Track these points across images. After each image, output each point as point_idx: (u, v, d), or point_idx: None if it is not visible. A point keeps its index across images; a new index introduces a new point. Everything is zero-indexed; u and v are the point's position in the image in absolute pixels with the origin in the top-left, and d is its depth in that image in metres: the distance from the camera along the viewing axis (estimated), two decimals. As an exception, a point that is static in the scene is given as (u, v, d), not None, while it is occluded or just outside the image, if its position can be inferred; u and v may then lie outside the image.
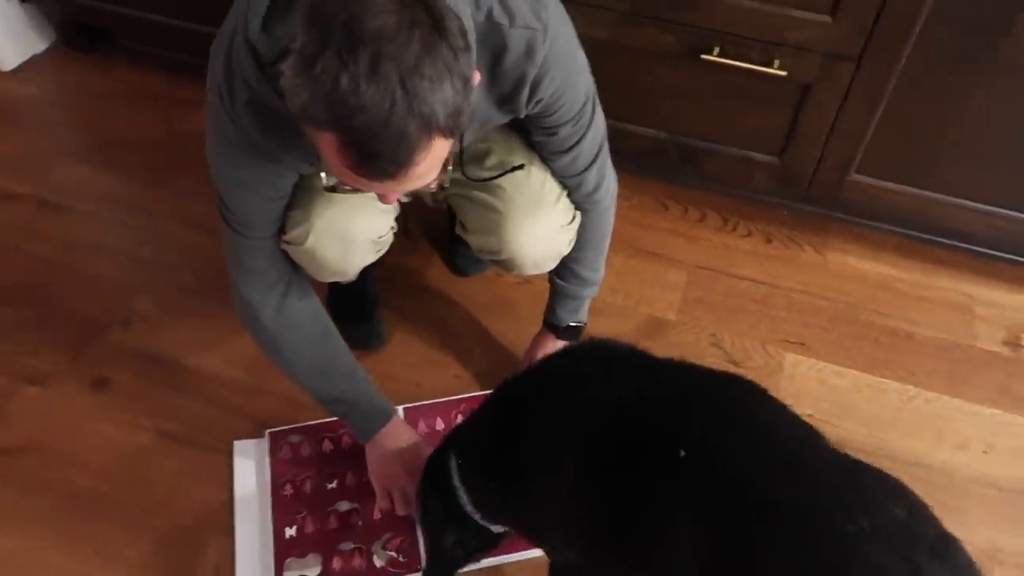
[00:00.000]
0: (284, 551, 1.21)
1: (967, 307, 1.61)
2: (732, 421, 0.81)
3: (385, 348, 1.48)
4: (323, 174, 0.89)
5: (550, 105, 1.03)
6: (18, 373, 1.42)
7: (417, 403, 1.40)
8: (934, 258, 1.67)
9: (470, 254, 1.36)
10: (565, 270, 1.28)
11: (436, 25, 0.71)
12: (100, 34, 1.96)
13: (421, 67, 0.70)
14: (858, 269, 1.67)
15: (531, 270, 1.22)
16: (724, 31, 1.42)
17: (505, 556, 1.20)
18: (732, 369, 1.47)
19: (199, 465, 1.32)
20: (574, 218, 1.20)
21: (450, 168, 0.85)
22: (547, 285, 1.34)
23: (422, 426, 1.36)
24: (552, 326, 1.35)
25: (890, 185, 1.56)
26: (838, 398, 1.47)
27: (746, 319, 1.57)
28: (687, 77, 1.51)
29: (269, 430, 1.35)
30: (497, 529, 1.07)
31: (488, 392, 1.40)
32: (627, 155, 1.68)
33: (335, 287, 1.43)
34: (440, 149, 0.76)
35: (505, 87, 0.97)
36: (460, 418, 1.38)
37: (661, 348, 1.50)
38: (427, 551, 1.17)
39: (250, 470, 1.31)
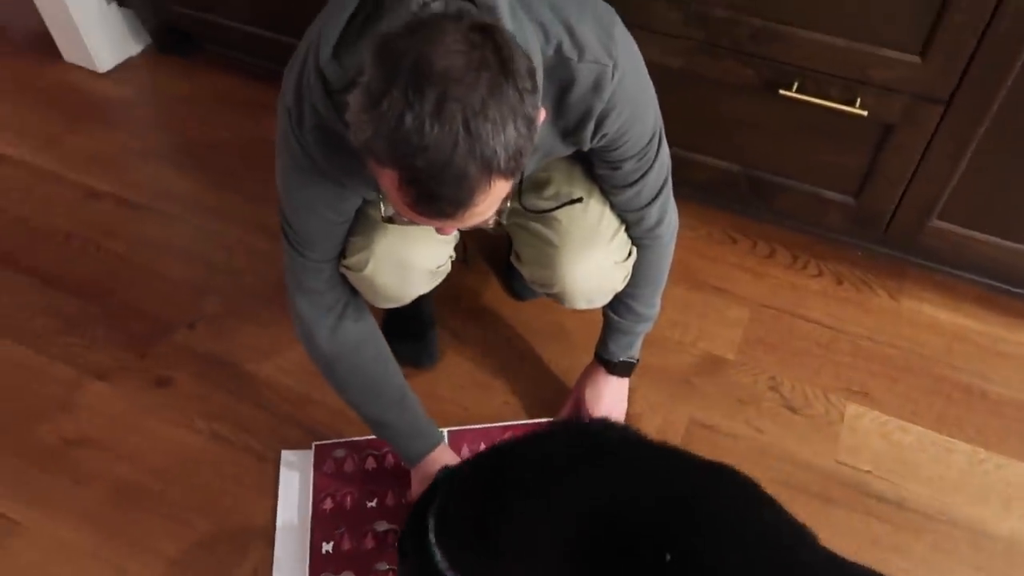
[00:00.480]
0: (319, 566, 1.23)
1: (1050, 368, 1.51)
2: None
3: (436, 368, 1.49)
4: (382, 204, 0.90)
5: (615, 140, 1.01)
6: (86, 366, 1.48)
7: (462, 427, 1.39)
8: (1017, 312, 1.58)
9: (527, 279, 1.35)
10: (620, 305, 1.26)
11: (504, 67, 0.71)
12: (190, 39, 2.04)
13: (486, 109, 0.70)
14: (934, 318, 1.59)
15: (583, 305, 1.20)
16: (805, 66, 1.37)
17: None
18: (790, 416, 1.44)
19: (247, 471, 1.35)
20: (630, 254, 1.18)
21: (508, 203, 0.84)
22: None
23: (466, 451, 1.36)
24: (604, 360, 1.33)
25: (974, 234, 1.48)
26: (901, 455, 1.40)
27: (809, 363, 1.52)
28: (763, 110, 1.47)
29: (316, 442, 1.37)
30: None
31: (535, 421, 1.41)
32: (696, 185, 1.65)
33: (392, 305, 1.45)
34: (500, 190, 0.76)
35: (570, 120, 0.96)
36: (504, 445, 1.37)
37: (717, 387, 1.47)
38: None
39: (294, 481, 1.33)
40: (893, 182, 1.46)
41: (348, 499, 1.30)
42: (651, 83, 1.06)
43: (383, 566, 1.23)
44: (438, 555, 0.99)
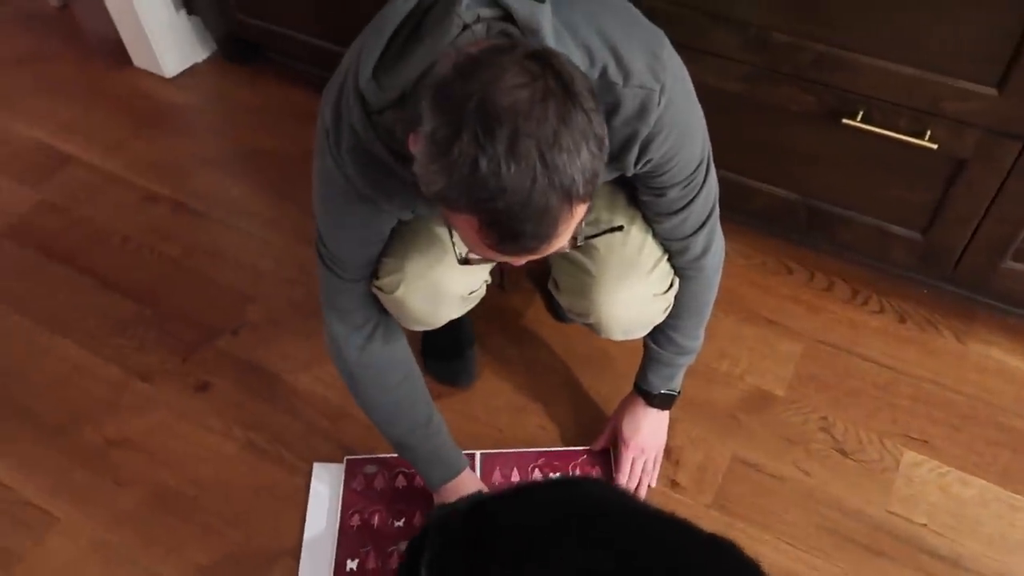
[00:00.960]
0: (343, 584, 1.22)
1: None
2: None
3: (473, 387, 1.47)
4: (455, 246, 0.88)
5: (660, 166, 0.98)
6: (132, 368, 1.50)
7: (496, 450, 1.37)
8: (1096, 363, 1.48)
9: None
10: (661, 335, 1.22)
11: (567, 91, 0.69)
12: (255, 48, 2.07)
13: (559, 139, 0.68)
14: (1003, 364, 1.49)
15: (619, 337, 1.16)
16: (871, 95, 1.30)
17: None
18: (841, 459, 1.37)
19: (279, 482, 1.35)
20: (671, 286, 1.13)
21: (584, 224, 0.82)
22: (649, 341, 1.28)
23: (497, 475, 1.33)
24: (643, 392, 1.29)
25: (1051, 278, 1.39)
26: (960, 509, 1.31)
27: (864, 405, 1.44)
28: (825, 139, 1.40)
29: (348, 457, 1.36)
30: None
31: (570, 449, 1.38)
32: (752, 212, 1.60)
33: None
34: (579, 213, 0.74)
35: (614, 145, 0.93)
36: (537, 472, 1.34)
37: (764, 425, 1.41)
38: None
39: (324, 495, 1.32)
40: (963, 220, 1.38)
41: (376, 517, 1.29)
42: (700, 108, 1.02)
43: (406, 589, 1.22)
44: None
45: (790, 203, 1.53)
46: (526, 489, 0.97)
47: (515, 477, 1.33)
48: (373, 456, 1.36)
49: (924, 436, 1.40)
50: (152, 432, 1.42)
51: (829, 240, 1.58)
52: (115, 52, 2.12)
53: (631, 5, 0.95)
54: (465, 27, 0.79)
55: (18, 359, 1.52)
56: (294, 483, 1.35)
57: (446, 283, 1.08)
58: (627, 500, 0.92)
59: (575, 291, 1.14)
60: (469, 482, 1.22)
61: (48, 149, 1.92)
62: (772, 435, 1.40)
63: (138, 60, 2.11)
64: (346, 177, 0.93)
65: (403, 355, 1.17)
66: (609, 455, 1.36)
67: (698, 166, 1.02)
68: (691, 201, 1.05)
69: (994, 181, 1.31)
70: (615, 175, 1.00)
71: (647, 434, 1.30)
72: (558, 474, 1.34)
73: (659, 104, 0.89)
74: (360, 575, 1.23)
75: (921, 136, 1.29)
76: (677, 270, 1.15)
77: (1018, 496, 1.32)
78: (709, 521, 1.30)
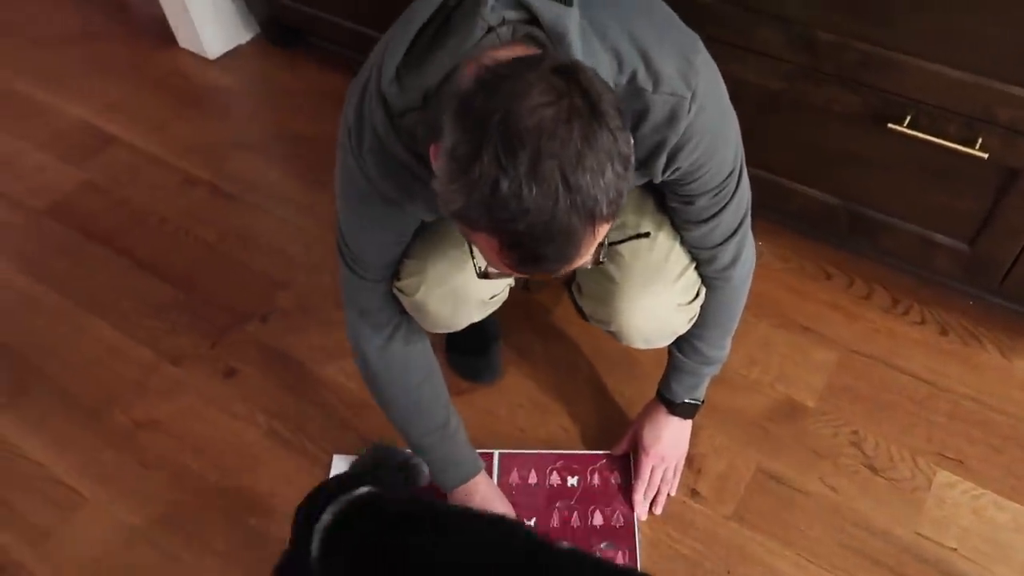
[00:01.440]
0: (356, 578, 1.23)
1: None
2: None
3: (497, 384, 1.46)
4: (474, 259, 0.86)
5: (689, 174, 0.94)
6: (164, 351, 1.53)
7: (515, 451, 1.36)
8: None
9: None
10: (686, 344, 1.19)
11: (594, 110, 0.67)
12: (298, 32, 2.07)
13: (583, 160, 0.66)
14: (1051, 384, 1.43)
15: (641, 345, 1.14)
16: (919, 100, 1.24)
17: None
18: (870, 476, 1.32)
19: (299, 471, 1.36)
20: (696, 296, 1.10)
21: (607, 240, 0.79)
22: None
23: (515, 476, 1.33)
24: (666, 400, 1.26)
25: (1106, 296, 1.32)
26: (993, 535, 1.26)
27: (898, 420, 1.39)
28: (869, 143, 1.35)
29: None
30: None
31: (589, 452, 1.36)
32: (791, 214, 1.55)
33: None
34: (603, 232, 0.72)
35: (641, 152, 0.90)
36: (555, 475, 1.33)
37: (792, 436, 1.38)
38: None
39: (342, 488, 1.33)
40: (1014, 232, 1.31)
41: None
42: (734, 115, 0.98)
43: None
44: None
45: (829, 206, 1.48)
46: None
47: (532, 479, 1.32)
48: (392, 450, 1.36)
49: (960, 456, 1.35)
50: (179, 416, 1.44)
51: (871, 246, 1.53)
52: (161, 32, 2.15)
53: (667, 7, 0.91)
54: (490, 29, 0.77)
55: (57, 338, 1.56)
56: (315, 473, 1.36)
57: (467, 288, 1.06)
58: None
59: (597, 297, 1.11)
60: (483, 486, 1.22)
61: (93, 129, 1.96)
62: (800, 447, 1.37)
63: (183, 40, 2.13)
64: (368, 178, 0.92)
65: (424, 356, 1.17)
66: (629, 460, 1.34)
67: (729, 175, 0.98)
68: (721, 210, 1.01)
69: (1049, 194, 1.24)
70: (643, 181, 0.97)
71: (668, 443, 1.28)
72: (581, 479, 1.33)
73: (689, 112, 0.86)
74: (374, 569, 1.24)
75: (971, 144, 1.23)
76: (705, 279, 1.12)
77: (1057, 524, 1.27)
78: (728, 533, 1.28)
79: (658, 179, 0.94)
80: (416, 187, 0.89)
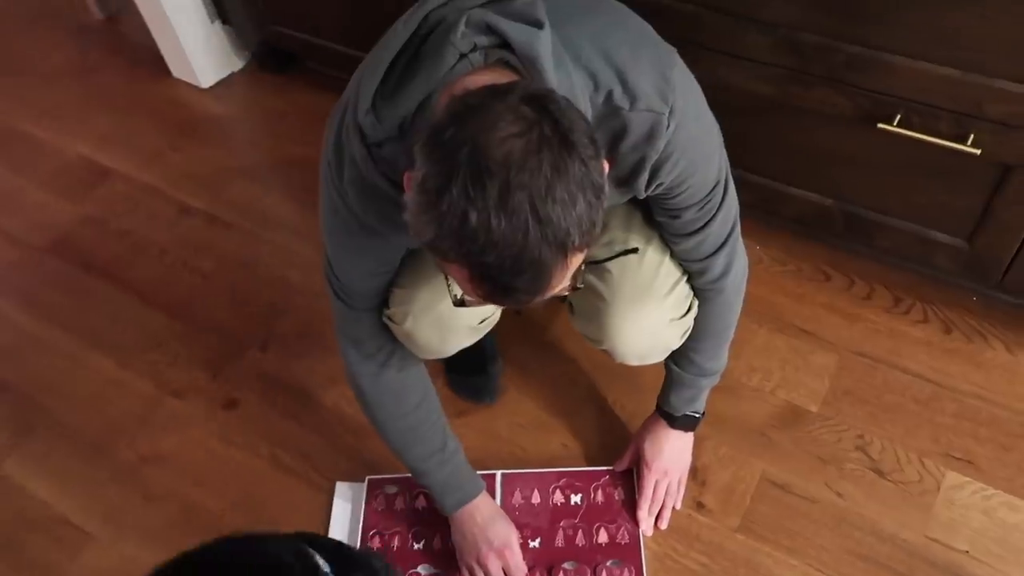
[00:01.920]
0: (361, 607, 1.22)
1: None
2: None
3: (496, 404, 1.45)
4: (450, 287, 0.85)
5: (673, 188, 0.94)
6: (165, 384, 1.54)
7: (517, 470, 1.35)
8: None
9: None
10: (682, 358, 1.18)
11: (564, 141, 0.66)
12: (289, 57, 2.08)
13: (553, 191, 0.65)
14: (1058, 378, 1.41)
15: (635, 362, 1.13)
16: (908, 98, 1.23)
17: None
18: (877, 480, 1.31)
19: (302, 500, 1.36)
20: (689, 310, 1.09)
21: (583, 267, 0.79)
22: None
23: (518, 496, 1.32)
24: (665, 414, 1.25)
25: (1109, 288, 1.30)
26: (1005, 536, 1.24)
27: (903, 422, 1.38)
28: (860, 143, 1.33)
29: (369, 476, 1.37)
30: None
31: (592, 469, 1.35)
32: (787, 217, 1.54)
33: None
34: (576, 261, 0.72)
35: (623, 169, 0.90)
36: (558, 493, 1.32)
37: (796, 443, 1.36)
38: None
39: (345, 515, 1.33)
40: (1010, 228, 1.30)
41: (396, 539, 1.29)
42: (715, 126, 0.98)
43: (424, 612, 1.22)
44: None
45: (825, 208, 1.46)
46: None
47: (535, 499, 1.32)
48: (395, 476, 1.35)
49: (968, 456, 1.33)
50: (183, 449, 1.45)
51: (869, 246, 1.51)
52: (156, 63, 2.16)
53: (642, 21, 0.90)
54: (462, 56, 0.77)
55: (58, 374, 1.57)
56: (318, 501, 1.36)
57: (455, 314, 1.06)
58: None
59: (588, 316, 1.11)
60: (485, 507, 1.21)
61: (90, 163, 1.97)
62: (804, 454, 1.35)
63: (176, 71, 2.14)
64: (350, 209, 0.92)
65: (418, 381, 1.17)
66: (632, 476, 1.33)
67: (714, 187, 0.98)
68: (709, 221, 1.00)
69: (1044, 187, 1.23)
70: (628, 197, 0.97)
71: (670, 457, 1.27)
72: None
73: (668, 127, 0.85)
74: (379, 596, 1.24)
75: (963, 140, 1.22)
76: (697, 291, 1.11)
77: (1070, 522, 1.25)
78: (735, 545, 1.26)
79: (642, 195, 0.93)
80: (399, 216, 0.88)
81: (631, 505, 1.30)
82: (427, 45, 0.80)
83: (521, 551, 1.24)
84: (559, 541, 1.27)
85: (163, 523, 1.36)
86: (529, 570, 1.22)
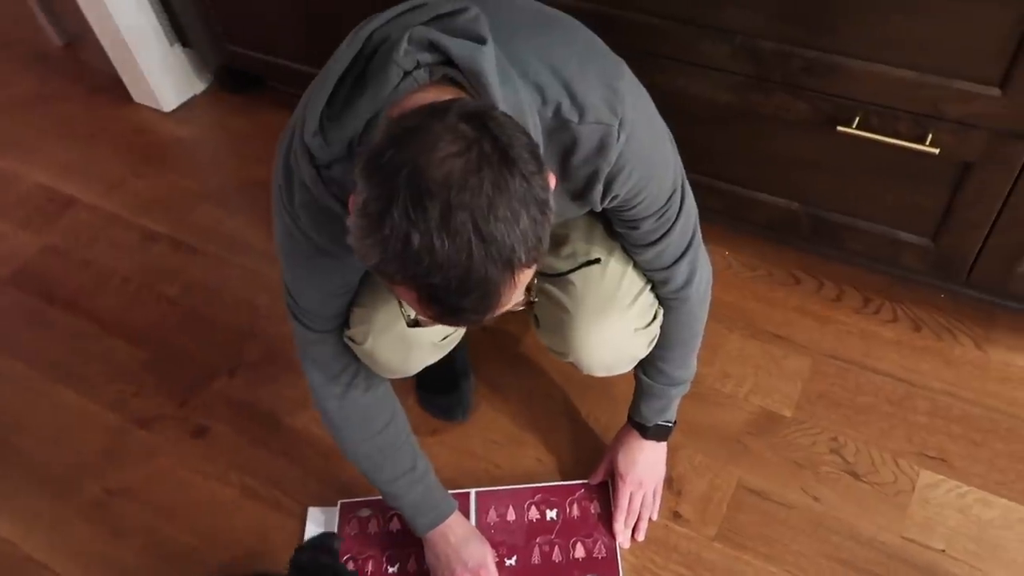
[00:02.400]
0: (336, 634, 1.20)
1: None
2: None
3: (470, 420, 1.44)
4: (402, 308, 0.84)
5: (629, 200, 0.93)
6: (132, 414, 1.51)
7: (491, 488, 1.34)
8: None
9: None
10: (651, 368, 1.17)
11: (504, 157, 0.65)
12: (250, 77, 2.06)
13: (495, 209, 0.64)
14: (1028, 372, 1.41)
15: (602, 373, 1.12)
16: (866, 101, 1.24)
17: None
18: (852, 483, 1.31)
19: (274, 528, 1.34)
20: (654, 318, 1.09)
21: (536, 280, 0.78)
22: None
23: (493, 514, 1.30)
24: (637, 425, 1.25)
25: (1072, 281, 1.30)
26: (981, 533, 1.24)
27: (877, 423, 1.37)
28: (823, 147, 1.34)
29: (342, 500, 1.35)
30: None
31: (566, 484, 1.33)
32: (755, 223, 1.54)
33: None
34: (525, 277, 0.70)
35: (578, 183, 0.89)
36: (534, 509, 1.31)
37: (771, 448, 1.36)
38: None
39: (318, 541, 1.31)
40: (975, 224, 1.30)
41: (370, 563, 1.27)
42: (668, 136, 0.97)
43: (401, 637, 1.20)
44: None
45: (792, 213, 1.47)
46: None
47: (511, 516, 1.30)
48: (368, 499, 1.33)
49: (942, 454, 1.33)
50: (151, 481, 1.42)
51: (837, 248, 1.51)
52: (117, 88, 2.13)
53: (590, 32, 0.90)
54: (406, 74, 0.76)
55: (23, 409, 1.54)
56: (289, 528, 1.34)
57: (416, 332, 1.04)
58: None
59: (553, 328, 1.10)
60: (458, 527, 1.20)
61: (51, 192, 1.94)
62: (780, 459, 1.35)
63: (137, 96, 2.12)
64: (303, 233, 0.91)
65: (385, 401, 1.15)
66: (608, 488, 1.32)
67: (671, 196, 0.97)
68: (668, 231, 1.00)
69: (1004, 183, 1.23)
70: (585, 210, 0.96)
71: (644, 467, 1.26)
72: (555, 510, 1.31)
73: (619, 139, 0.85)
74: (355, 623, 1.22)
75: (922, 141, 1.23)
76: (662, 300, 1.10)
77: (1045, 516, 1.25)
78: (713, 555, 1.25)
79: (598, 208, 0.93)
80: None
81: (607, 518, 1.28)
82: (372, 64, 0.79)
83: (497, 570, 1.23)
84: (536, 558, 1.26)
85: (133, 558, 1.33)
86: (506, 589, 1.21)
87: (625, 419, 1.29)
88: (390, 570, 1.26)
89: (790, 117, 1.32)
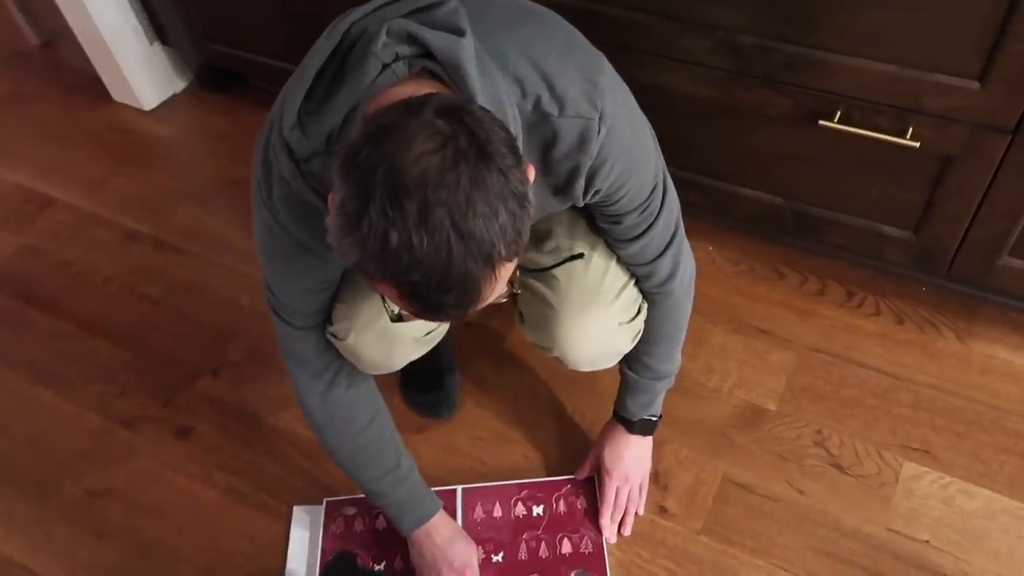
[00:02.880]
0: (322, 634, 1.20)
1: None
2: None
3: (455, 417, 1.43)
4: (385, 304, 0.84)
5: (611, 195, 0.93)
6: (113, 415, 1.49)
7: (477, 484, 1.33)
8: (1109, 360, 1.40)
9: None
10: (635, 362, 1.17)
11: (481, 152, 0.65)
12: (231, 75, 2.05)
13: (473, 204, 0.64)
14: (1009, 363, 1.42)
15: (587, 368, 1.12)
16: (847, 95, 1.24)
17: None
18: (837, 475, 1.31)
19: (259, 528, 1.33)
20: (638, 313, 1.09)
21: (517, 272, 0.78)
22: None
23: (479, 511, 1.30)
24: (623, 419, 1.25)
25: (1053, 272, 1.32)
26: (964, 524, 1.25)
27: (861, 416, 1.38)
28: (805, 141, 1.34)
29: (327, 499, 1.34)
30: None
31: (552, 479, 1.33)
32: (737, 218, 1.54)
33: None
34: (506, 272, 0.70)
35: (559, 177, 0.89)
36: (520, 506, 1.30)
37: (756, 442, 1.36)
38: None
39: (303, 540, 1.30)
40: (955, 218, 1.31)
41: (355, 561, 1.26)
42: (649, 130, 0.97)
43: (387, 636, 1.19)
44: None
45: (775, 207, 1.47)
46: None
47: (497, 512, 1.30)
48: (353, 497, 1.33)
49: (925, 446, 1.34)
50: (134, 481, 1.40)
51: (819, 242, 1.52)
52: (96, 88, 2.11)
53: (570, 27, 0.90)
54: (385, 66, 0.75)
55: (1, 412, 1.52)
56: (276, 528, 1.33)
57: (399, 328, 1.04)
58: None
59: (537, 324, 1.09)
60: (443, 527, 1.19)
61: (30, 193, 1.92)
62: (765, 453, 1.35)
63: (117, 95, 2.10)
64: (283, 228, 0.90)
65: (368, 399, 1.14)
66: (594, 483, 1.32)
67: (653, 190, 0.97)
68: (651, 225, 1.00)
69: (983, 177, 1.24)
70: (567, 205, 0.96)
71: (630, 462, 1.26)
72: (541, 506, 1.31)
73: (599, 133, 0.84)
74: (341, 622, 1.21)
75: (903, 135, 1.23)
76: (646, 295, 1.10)
77: (1027, 506, 1.26)
78: (699, 548, 1.26)
79: (580, 203, 0.92)
80: None
81: (594, 514, 1.28)
82: (350, 58, 0.78)
83: (484, 567, 1.22)
84: (522, 554, 1.26)
85: (117, 561, 1.31)
86: (493, 586, 1.21)
87: (611, 414, 1.29)
88: (375, 567, 1.26)
89: (772, 112, 1.32)
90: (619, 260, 1.07)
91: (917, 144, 1.22)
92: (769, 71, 1.27)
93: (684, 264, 1.08)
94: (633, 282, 1.08)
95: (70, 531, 1.35)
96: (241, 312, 1.63)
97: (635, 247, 1.02)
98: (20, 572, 1.31)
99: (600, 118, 0.84)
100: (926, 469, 1.31)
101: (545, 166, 0.87)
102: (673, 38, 1.31)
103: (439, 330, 1.13)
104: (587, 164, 0.86)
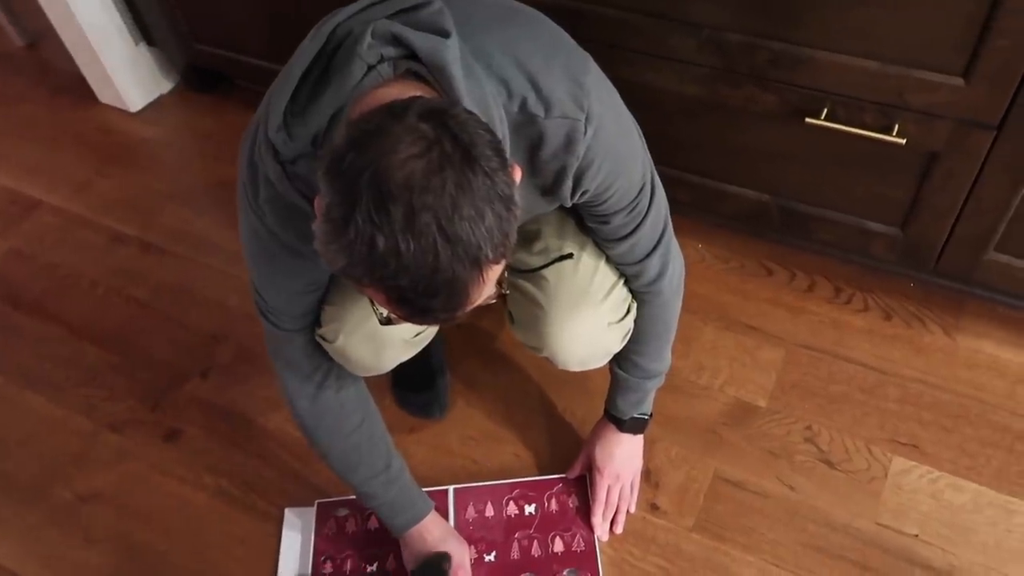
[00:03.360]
0: (315, 635, 1.20)
1: None
2: None
3: (447, 417, 1.43)
4: (375, 308, 0.83)
5: (599, 195, 0.93)
6: (102, 418, 1.48)
7: (469, 484, 1.33)
8: (1094, 353, 1.41)
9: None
10: (626, 361, 1.18)
11: (466, 156, 0.65)
12: (217, 76, 2.04)
13: (459, 208, 0.64)
14: (995, 358, 1.43)
15: (577, 368, 1.12)
16: (833, 92, 1.24)
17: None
18: (827, 471, 1.32)
19: (250, 530, 1.33)
20: (628, 312, 1.09)
21: (506, 273, 0.77)
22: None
23: (471, 511, 1.30)
24: (613, 418, 1.25)
25: (1037, 267, 1.32)
26: (953, 517, 1.26)
27: (850, 411, 1.39)
28: (791, 138, 1.35)
29: (319, 500, 1.34)
30: None
31: (543, 478, 1.33)
32: (726, 215, 1.55)
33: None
34: (494, 274, 0.70)
35: (547, 178, 0.89)
36: (512, 505, 1.31)
37: (746, 439, 1.37)
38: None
39: (295, 542, 1.30)
40: (941, 213, 1.32)
41: (348, 563, 1.26)
42: (636, 130, 0.97)
43: (380, 637, 1.19)
44: None
45: (762, 204, 1.48)
46: None
47: (489, 512, 1.30)
48: (345, 498, 1.33)
49: (913, 440, 1.35)
50: (122, 485, 1.40)
51: (807, 239, 1.53)
52: (81, 89, 2.10)
53: (556, 27, 0.90)
54: (370, 68, 0.75)
55: (-11, 417, 1.51)
56: (267, 530, 1.33)
57: (387, 329, 1.04)
58: None
59: (527, 324, 1.09)
60: (434, 527, 1.19)
61: (15, 195, 1.91)
62: (755, 449, 1.36)
63: (103, 96, 2.08)
64: (269, 230, 0.90)
65: (358, 400, 1.14)
66: (585, 482, 1.32)
67: (641, 190, 0.97)
68: (639, 225, 1.00)
69: (969, 172, 1.25)
70: (555, 206, 0.96)
71: (621, 460, 1.26)
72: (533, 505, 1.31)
73: (586, 134, 0.84)
74: (333, 624, 1.21)
75: (888, 131, 1.24)
76: (635, 294, 1.10)
77: (1014, 499, 1.27)
78: (691, 546, 1.26)
79: (568, 203, 0.92)
80: None
81: (585, 512, 1.29)
82: (335, 59, 0.78)
83: (476, 566, 1.22)
84: (515, 553, 1.26)
85: (106, 566, 1.31)
86: (486, 585, 1.21)
87: (601, 413, 1.29)
88: (369, 569, 1.25)
89: (758, 109, 1.32)
90: (608, 260, 1.07)
91: (903, 140, 1.22)
92: (755, 68, 1.28)
93: (673, 263, 1.08)
94: (622, 282, 1.08)
95: (59, 535, 1.35)
96: (229, 313, 1.62)
97: (624, 246, 1.02)
98: (9, 578, 1.31)
99: (587, 119, 0.84)
100: (914, 464, 1.32)
101: (532, 167, 0.87)
102: (659, 36, 1.31)
103: (428, 332, 1.13)
104: (574, 165, 0.86)
